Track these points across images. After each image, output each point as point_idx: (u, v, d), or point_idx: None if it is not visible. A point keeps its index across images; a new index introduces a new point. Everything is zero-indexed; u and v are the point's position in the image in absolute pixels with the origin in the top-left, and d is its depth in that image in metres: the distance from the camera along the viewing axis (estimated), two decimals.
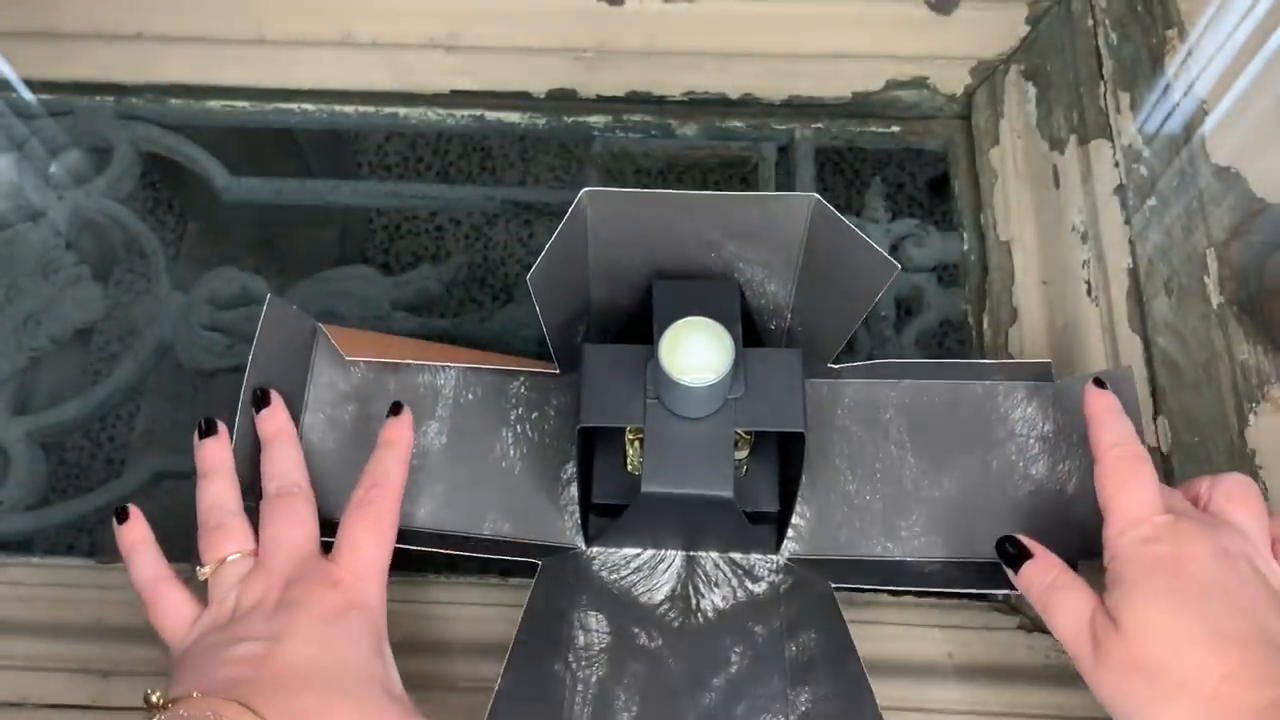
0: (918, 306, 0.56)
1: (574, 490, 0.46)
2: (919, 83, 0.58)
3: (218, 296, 0.57)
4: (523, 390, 0.47)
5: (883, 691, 0.43)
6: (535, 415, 0.47)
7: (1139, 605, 0.36)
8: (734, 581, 0.45)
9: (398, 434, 0.43)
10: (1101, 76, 0.55)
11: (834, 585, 0.44)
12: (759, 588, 0.45)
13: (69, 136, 0.60)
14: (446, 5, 0.59)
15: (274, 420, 0.43)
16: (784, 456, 0.46)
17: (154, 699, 0.35)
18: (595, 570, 0.45)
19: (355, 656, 0.37)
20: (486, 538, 0.45)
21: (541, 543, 0.45)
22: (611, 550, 0.45)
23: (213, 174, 0.60)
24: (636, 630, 0.43)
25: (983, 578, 0.44)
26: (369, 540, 0.40)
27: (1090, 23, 0.56)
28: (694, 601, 0.44)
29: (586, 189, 0.41)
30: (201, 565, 0.40)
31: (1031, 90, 0.57)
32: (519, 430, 0.47)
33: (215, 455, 0.42)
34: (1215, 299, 0.49)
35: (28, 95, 0.60)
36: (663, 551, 0.45)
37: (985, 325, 0.53)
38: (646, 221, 0.43)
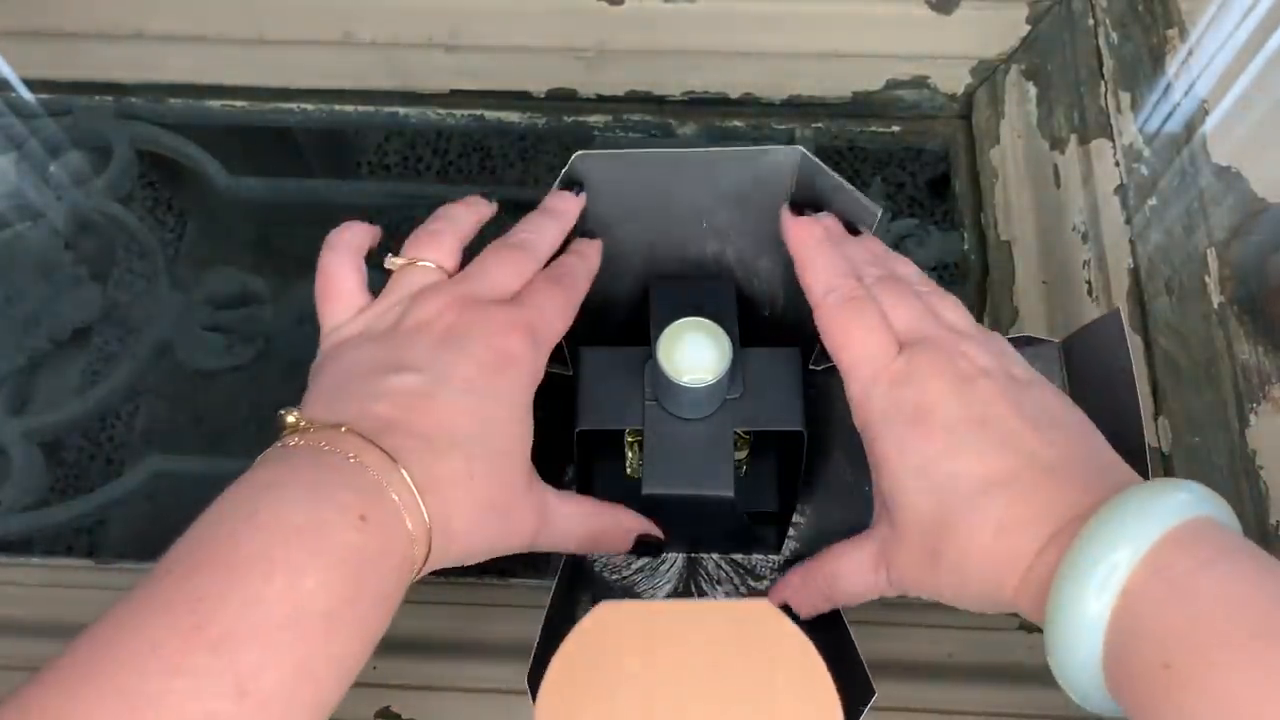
0: None
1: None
2: (919, 82, 0.58)
3: (218, 296, 0.57)
4: None
5: (883, 691, 0.42)
6: (542, 415, 0.47)
7: (902, 496, 0.33)
8: (736, 579, 0.45)
9: (590, 249, 0.41)
10: (1102, 76, 0.55)
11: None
12: (762, 585, 0.45)
13: (69, 136, 0.60)
14: (446, 5, 0.59)
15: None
16: (783, 455, 0.46)
17: (292, 418, 0.32)
18: (598, 572, 0.45)
19: (508, 418, 0.35)
20: None
21: None
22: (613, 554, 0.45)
23: (212, 174, 0.60)
24: None
25: None
26: (553, 301, 0.37)
27: (1091, 22, 0.56)
28: (696, 597, 0.44)
29: (579, 152, 0.41)
30: (395, 256, 0.37)
31: (1032, 90, 0.56)
32: None
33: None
34: (1216, 299, 0.49)
35: (28, 95, 0.60)
36: (665, 555, 0.45)
37: (985, 325, 0.53)
38: (638, 187, 0.42)
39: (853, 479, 0.46)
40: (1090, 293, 0.51)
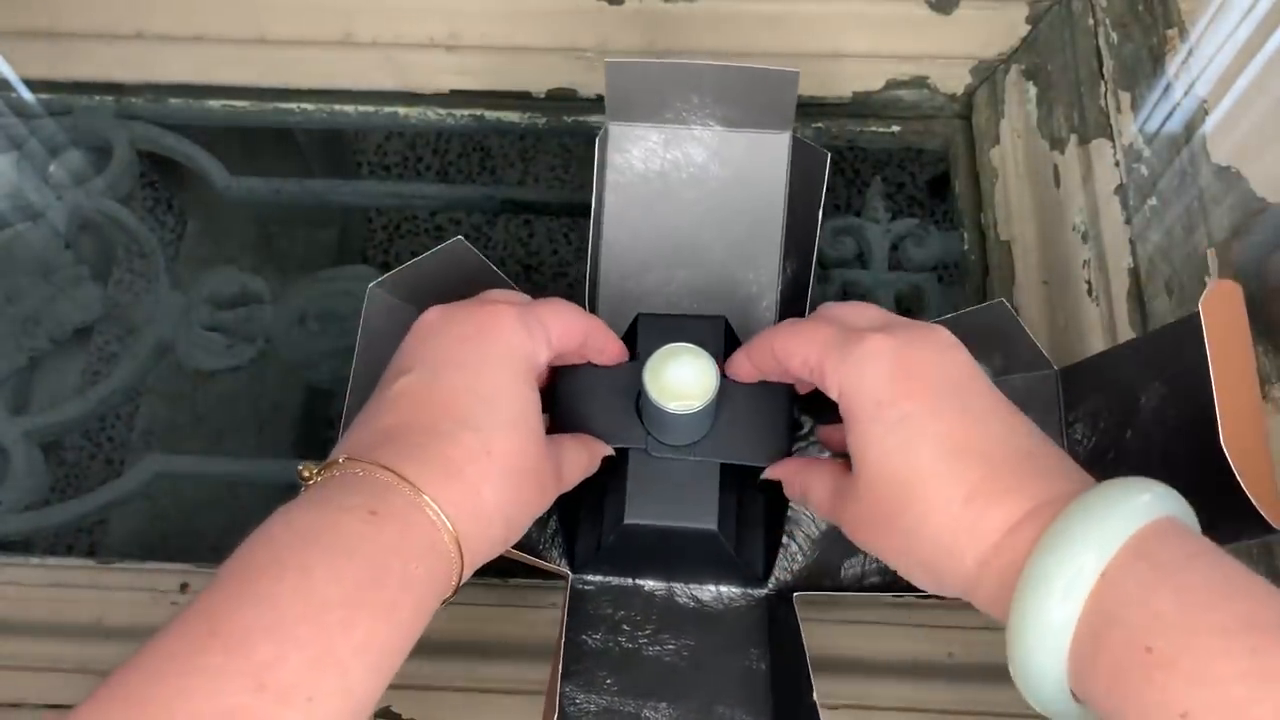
0: (918, 306, 0.56)
1: (555, 518, 0.45)
2: (919, 82, 0.58)
3: (218, 296, 0.57)
4: None
5: (883, 691, 0.43)
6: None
7: (869, 445, 0.33)
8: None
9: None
10: (1102, 76, 0.55)
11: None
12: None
13: (69, 136, 0.60)
14: (446, 5, 0.59)
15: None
16: (742, 481, 0.46)
17: (305, 473, 0.33)
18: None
19: (507, 384, 0.35)
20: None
21: (536, 564, 0.44)
22: (592, 577, 0.44)
23: (212, 174, 0.60)
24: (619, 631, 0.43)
25: None
26: (556, 309, 0.37)
27: (1090, 22, 0.56)
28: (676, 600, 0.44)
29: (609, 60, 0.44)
30: None
31: (1032, 90, 0.56)
32: None
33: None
34: None
35: (28, 95, 0.60)
36: (645, 584, 0.44)
37: None
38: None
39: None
40: (1090, 293, 0.51)
